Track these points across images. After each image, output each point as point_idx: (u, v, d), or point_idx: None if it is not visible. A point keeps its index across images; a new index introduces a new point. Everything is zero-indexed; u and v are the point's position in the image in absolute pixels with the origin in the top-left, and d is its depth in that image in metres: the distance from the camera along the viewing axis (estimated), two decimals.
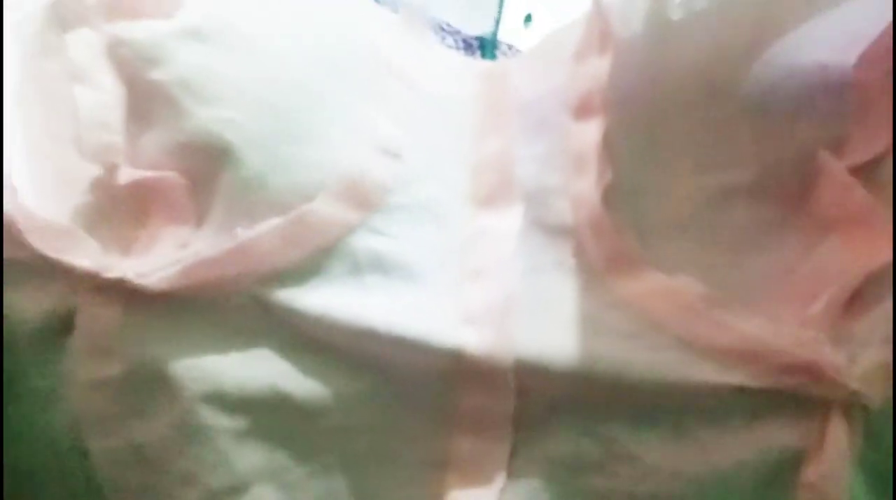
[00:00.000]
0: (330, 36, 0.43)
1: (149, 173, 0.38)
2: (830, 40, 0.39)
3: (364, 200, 0.39)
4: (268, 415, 0.37)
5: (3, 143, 0.39)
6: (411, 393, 0.38)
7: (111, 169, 0.38)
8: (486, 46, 0.63)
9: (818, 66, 0.39)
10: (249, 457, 0.38)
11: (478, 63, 0.53)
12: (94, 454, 0.38)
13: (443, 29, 0.63)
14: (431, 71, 0.47)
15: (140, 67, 0.38)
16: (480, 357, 0.36)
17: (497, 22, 0.67)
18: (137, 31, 0.39)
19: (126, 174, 0.38)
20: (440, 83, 0.47)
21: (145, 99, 0.39)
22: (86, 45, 0.39)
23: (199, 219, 0.39)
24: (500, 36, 0.67)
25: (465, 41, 0.63)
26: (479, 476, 0.37)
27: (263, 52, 0.40)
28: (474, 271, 0.40)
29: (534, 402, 0.37)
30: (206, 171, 0.38)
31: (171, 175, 0.38)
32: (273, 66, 0.40)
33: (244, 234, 0.37)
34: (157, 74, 0.38)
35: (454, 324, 0.37)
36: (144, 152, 0.38)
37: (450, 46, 0.63)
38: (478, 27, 0.66)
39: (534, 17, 0.68)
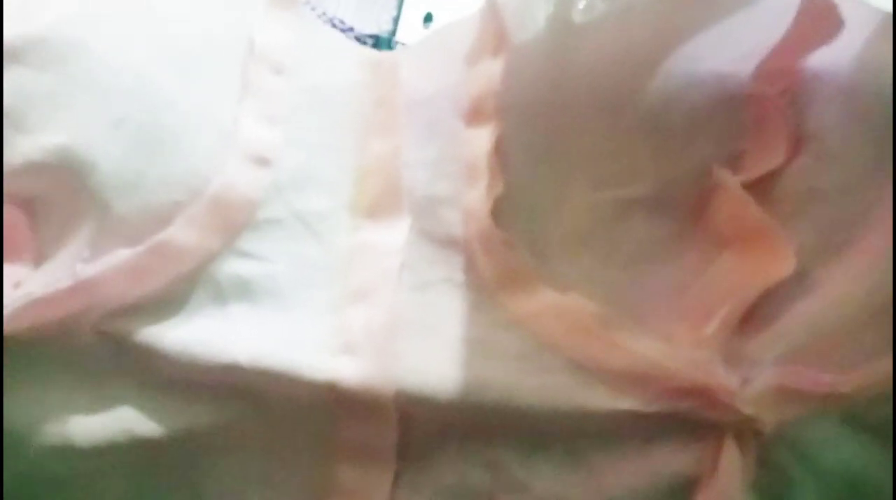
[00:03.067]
0: (185, 29, 0.39)
1: None
2: (728, 51, 0.38)
3: (228, 220, 0.36)
4: (126, 458, 0.35)
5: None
6: (286, 423, 0.35)
7: None
8: (380, 46, 0.60)
9: (716, 78, 0.38)
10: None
11: (365, 50, 0.49)
12: None
13: (334, 26, 0.60)
14: (311, 56, 0.43)
15: None
16: (357, 389, 0.34)
17: (396, 20, 0.65)
18: None
19: None
20: (321, 70, 0.43)
21: None
22: None
23: (40, 256, 0.35)
24: (399, 35, 0.64)
25: (357, 39, 0.60)
26: None
27: (96, 62, 0.36)
28: (355, 291, 0.37)
29: (418, 430, 0.35)
30: (40, 202, 0.35)
31: (4, 212, 0.35)
32: (109, 76, 0.36)
33: (84, 271, 0.33)
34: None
35: (329, 353, 0.35)
36: None
37: None
38: (375, 26, 0.64)
39: (434, 17, 0.65)
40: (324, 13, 0.61)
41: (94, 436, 0.34)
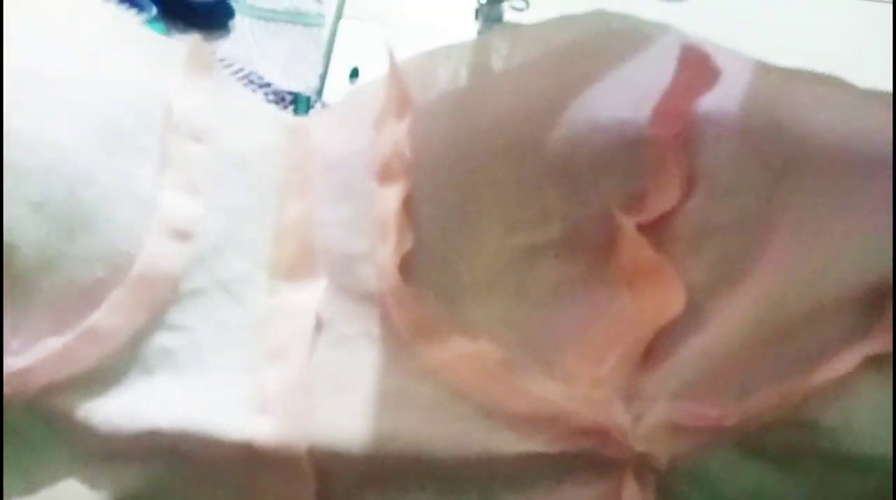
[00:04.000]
0: (103, 98, 0.39)
1: None
2: (625, 98, 0.40)
3: (153, 297, 0.37)
4: None
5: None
6: (209, 482, 0.36)
7: None
8: (299, 102, 0.62)
9: (616, 124, 0.40)
10: None
11: (280, 114, 0.51)
12: None
13: (251, 82, 0.62)
14: (228, 121, 0.44)
15: None
16: (271, 447, 0.35)
17: (322, 77, 0.67)
18: None
19: None
20: (239, 135, 0.44)
21: None
22: None
23: None
24: (327, 90, 0.66)
25: (275, 94, 0.61)
26: None
27: (18, 142, 0.36)
28: (271, 351, 0.38)
29: (336, 484, 0.36)
30: None
31: None
32: (26, 154, 0.36)
33: (15, 362, 0.34)
34: None
35: (244, 413, 0.36)
36: None
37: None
38: (302, 83, 0.65)
39: (361, 72, 0.67)
40: (240, 69, 0.63)
41: None
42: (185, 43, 0.45)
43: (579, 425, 0.35)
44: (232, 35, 0.67)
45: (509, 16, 0.68)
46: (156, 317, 0.37)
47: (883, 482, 0.35)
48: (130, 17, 0.48)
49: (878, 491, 0.36)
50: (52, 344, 0.35)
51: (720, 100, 0.40)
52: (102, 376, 0.36)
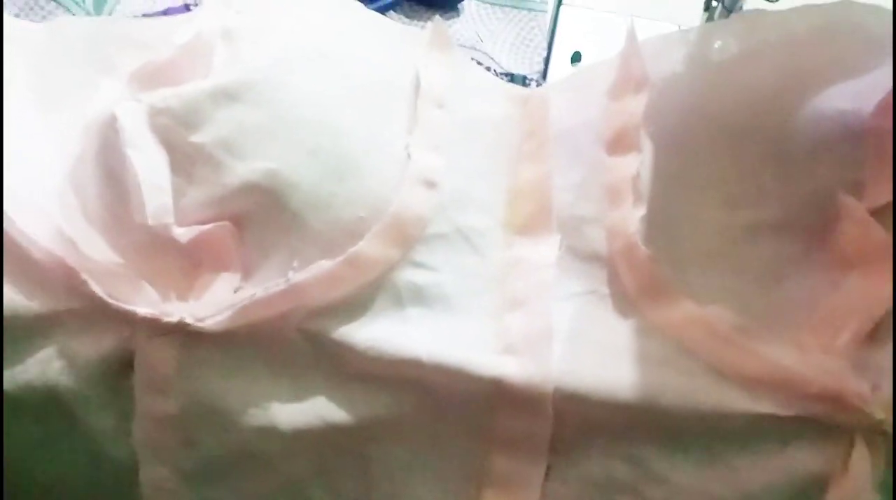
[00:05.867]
0: (361, 70, 0.44)
1: (201, 228, 0.40)
2: (849, 89, 0.41)
3: (405, 235, 0.41)
4: (316, 441, 0.40)
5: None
6: (451, 415, 0.40)
7: (166, 226, 0.40)
8: (514, 82, 0.65)
9: (837, 114, 0.41)
10: (301, 472, 0.41)
11: (514, 87, 0.54)
12: (144, 482, 0.41)
13: (479, 63, 0.66)
14: (467, 92, 0.48)
15: (180, 133, 0.40)
16: (520, 386, 0.38)
17: (546, 61, 0.70)
18: (173, 98, 0.40)
19: (182, 232, 0.40)
20: (476, 104, 0.48)
21: (188, 161, 0.40)
22: (131, 114, 0.41)
23: (249, 264, 0.41)
24: (550, 74, 0.69)
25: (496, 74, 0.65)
26: (515, 495, 0.39)
27: (294, 102, 0.41)
28: (513, 300, 0.41)
29: (569, 426, 0.39)
30: (249, 218, 0.41)
31: (219, 227, 0.40)
32: (304, 111, 0.41)
33: (295, 277, 0.38)
34: (196, 138, 0.40)
35: (494, 353, 0.39)
36: (189, 208, 0.40)
37: None
38: (527, 65, 0.69)
39: (583, 56, 0.70)
40: (472, 48, 0.67)
41: (293, 420, 0.39)
42: (426, 27, 0.50)
43: (814, 390, 0.36)
44: (462, 17, 0.71)
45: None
46: (406, 254, 0.41)
47: None
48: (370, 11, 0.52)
49: None
50: (323, 266, 0.39)
51: None
52: (362, 303, 0.40)
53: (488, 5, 0.73)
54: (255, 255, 0.41)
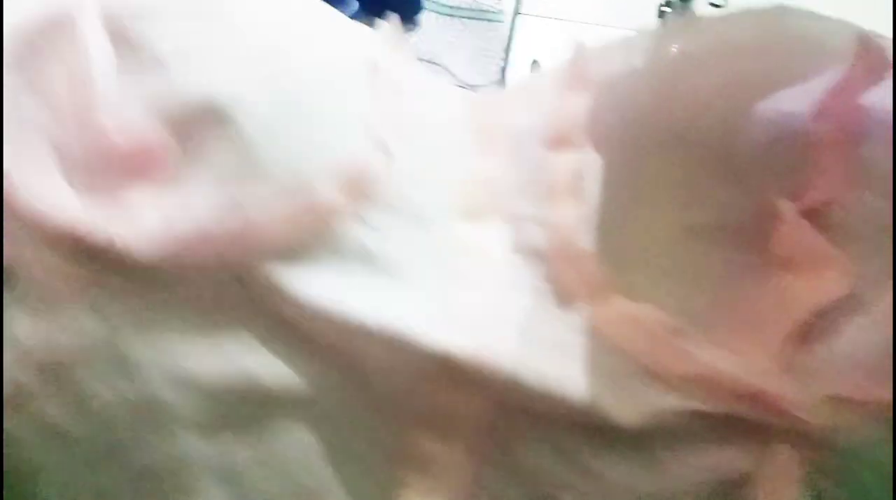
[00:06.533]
0: (326, 40, 0.44)
1: (141, 133, 0.38)
2: (789, 92, 0.41)
3: (360, 190, 0.40)
4: (234, 404, 0.38)
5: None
6: (377, 390, 0.39)
7: (103, 128, 0.38)
8: None
9: (779, 117, 0.42)
10: (204, 450, 0.38)
11: (463, 90, 0.55)
12: (9, 431, 0.36)
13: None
14: (421, 88, 0.49)
15: (134, 31, 0.39)
16: (469, 363, 0.38)
17: (503, 70, 0.71)
18: None
19: (116, 130, 0.37)
20: (430, 100, 0.49)
21: (135, 59, 0.39)
22: (83, 7, 0.39)
23: (181, 179, 0.38)
24: (508, 83, 0.70)
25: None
26: (439, 478, 0.39)
27: (267, 34, 0.41)
28: (461, 278, 0.41)
29: (506, 413, 0.39)
30: (194, 133, 0.38)
31: (158, 133, 0.38)
32: (276, 50, 0.40)
33: (250, 211, 0.37)
34: (151, 30, 0.39)
35: (442, 327, 0.38)
36: (130, 110, 0.38)
37: None
38: (485, 75, 0.70)
39: (540, 65, 0.71)
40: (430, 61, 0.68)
41: (212, 373, 0.37)
42: (383, 26, 0.50)
43: (740, 389, 0.37)
44: (420, 30, 0.72)
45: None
46: (359, 210, 0.40)
47: None
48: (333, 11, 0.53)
49: None
50: (274, 205, 0.38)
51: (889, 97, 0.40)
52: (308, 252, 0.39)
53: (446, 17, 0.74)
54: (196, 173, 0.39)
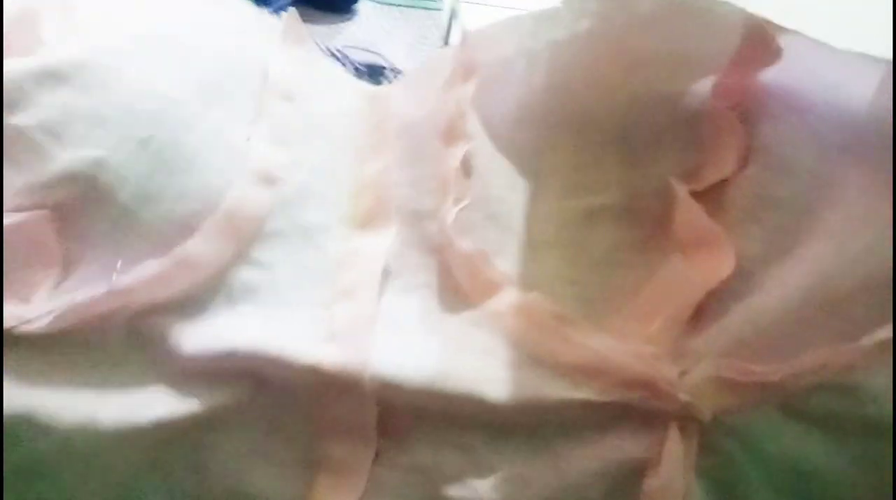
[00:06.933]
0: (206, 58, 0.43)
1: (17, 216, 0.38)
2: (686, 69, 0.42)
3: (240, 232, 0.40)
4: (144, 436, 0.39)
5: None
6: (285, 402, 0.40)
7: None
8: (374, 73, 0.66)
9: (676, 94, 0.42)
10: (131, 469, 0.40)
11: (363, 84, 0.54)
12: None
13: (337, 59, 0.66)
14: (316, 86, 0.48)
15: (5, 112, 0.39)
16: (335, 372, 0.38)
17: None
18: None
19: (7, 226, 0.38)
20: (324, 99, 0.48)
21: (8, 144, 0.39)
22: None
23: (71, 258, 0.40)
24: None
25: (355, 67, 0.65)
26: (347, 479, 0.39)
27: (129, 87, 0.40)
28: (343, 290, 0.41)
29: (396, 414, 0.39)
30: (73, 210, 0.39)
31: (38, 216, 0.39)
32: (139, 100, 0.40)
33: (120, 278, 0.38)
34: (17, 120, 0.39)
35: (315, 342, 0.39)
36: (10, 196, 0.39)
37: None
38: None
39: None
40: (326, 47, 0.67)
41: (118, 417, 0.38)
42: (283, 18, 0.50)
43: (627, 376, 0.37)
44: (356, 19, 0.72)
45: None
46: (242, 252, 0.40)
47: None
48: None
49: None
50: (151, 266, 0.38)
51: (781, 77, 0.41)
52: (192, 304, 0.39)
53: (384, 6, 0.74)
54: (79, 248, 0.40)
